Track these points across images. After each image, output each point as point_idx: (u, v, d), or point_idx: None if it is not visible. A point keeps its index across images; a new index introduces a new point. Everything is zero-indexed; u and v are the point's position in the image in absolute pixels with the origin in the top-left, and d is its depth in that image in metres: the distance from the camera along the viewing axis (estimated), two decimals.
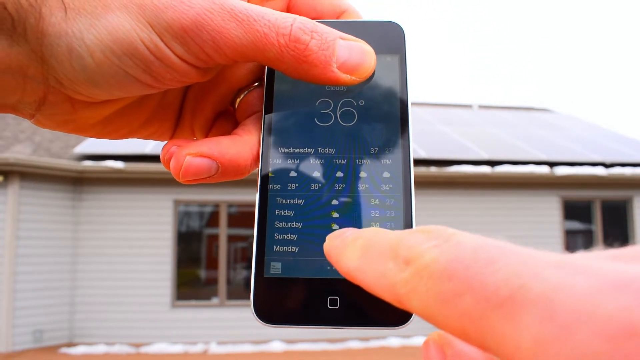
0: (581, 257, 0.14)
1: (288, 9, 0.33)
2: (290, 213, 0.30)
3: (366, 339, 7.09)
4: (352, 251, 0.20)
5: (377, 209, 0.30)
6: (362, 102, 0.32)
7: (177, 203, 7.33)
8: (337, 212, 0.30)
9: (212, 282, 7.51)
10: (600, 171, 7.96)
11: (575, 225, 8.38)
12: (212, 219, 7.67)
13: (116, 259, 7.07)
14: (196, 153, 0.29)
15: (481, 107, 12.79)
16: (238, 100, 0.35)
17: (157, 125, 0.35)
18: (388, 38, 0.33)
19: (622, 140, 9.98)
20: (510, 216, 7.92)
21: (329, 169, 0.31)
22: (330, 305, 0.29)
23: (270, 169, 0.31)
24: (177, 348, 6.73)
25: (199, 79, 0.30)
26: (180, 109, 0.36)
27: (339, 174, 0.31)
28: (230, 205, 7.48)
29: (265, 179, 0.31)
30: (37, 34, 0.25)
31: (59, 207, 6.89)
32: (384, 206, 0.30)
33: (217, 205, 7.52)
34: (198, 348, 6.79)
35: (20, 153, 6.77)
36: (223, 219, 7.46)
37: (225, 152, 0.30)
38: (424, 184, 7.67)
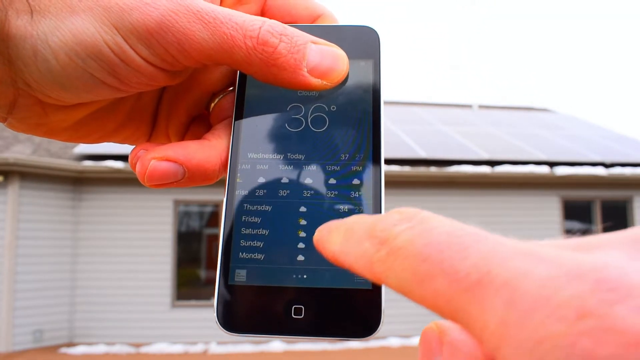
0: (547, 246, 0.15)
1: (262, 14, 0.33)
2: (257, 220, 0.30)
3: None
4: (336, 236, 0.21)
5: (346, 217, 0.29)
6: (333, 108, 0.32)
7: (177, 203, 7.33)
8: (305, 219, 0.30)
9: (212, 282, 7.51)
10: (600, 171, 7.95)
11: (575, 225, 8.38)
12: (212, 219, 7.67)
13: (116, 259, 7.07)
14: (161, 157, 0.29)
15: (481, 107, 12.78)
16: (212, 104, 0.35)
17: (132, 129, 0.35)
18: (362, 43, 0.33)
19: (622, 140, 9.98)
20: (510, 216, 7.92)
21: (298, 175, 0.30)
22: (295, 315, 0.28)
23: (238, 175, 0.31)
24: (177, 348, 6.74)
25: (168, 82, 0.30)
26: (156, 113, 0.35)
27: (308, 181, 0.30)
28: None
29: (232, 184, 0.31)
30: (3, 36, 0.25)
31: (59, 207, 6.89)
32: (353, 214, 0.29)
33: (217, 205, 7.52)
34: (198, 348, 6.79)
35: (20, 153, 6.77)
36: None
37: (192, 156, 0.29)
38: (424, 184, 7.67)
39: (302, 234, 0.29)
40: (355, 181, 0.30)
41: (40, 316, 6.59)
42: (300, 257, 0.29)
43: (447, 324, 0.20)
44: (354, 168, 0.30)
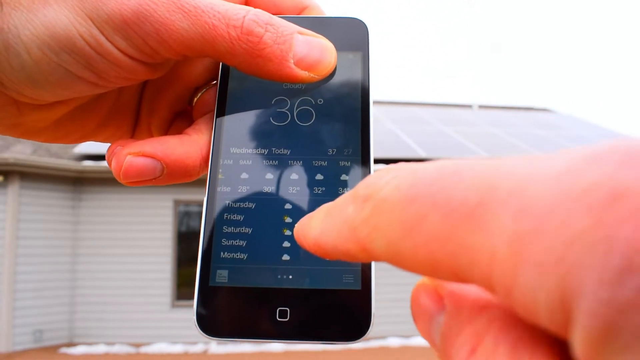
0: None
1: (246, 4, 0.32)
2: (240, 217, 0.28)
3: (366, 339, 7.07)
4: (316, 219, 0.18)
5: None
6: (320, 101, 0.31)
7: (177, 203, 7.33)
8: (290, 217, 0.28)
9: None
10: None
11: None
12: None
13: (116, 259, 7.07)
14: (138, 152, 0.27)
15: (481, 107, 12.77)
16: (195, 99, 0.33)
17: (113, 127, 0.34)
18: (351, 35, 0.32)
19: None
20: None
21: (283, 171, 0.29)
22: (279, 318, 0.27)
23: (220, 170, 0.29)
24: (177, 348, 6.73)
25: (148, 76, 0.29)
26: (138, 110, 0.34)
27: (294, 177, 0.29)
28: None
29: (214, 180, 0.29)
30: None
31: (59, 207, 6.89)
32: None
33: None
34: (198, 348, 6.78)
35: (20, 153, 6.77)
36: None
37: (171, 152, 0.28)
38: None
39: (288, 232, 0.28)
40: (344, 177, 0.29)
41: (40, 316, 6.58)
42: (286, 257, 0.28)
43: None
44: (342, 163, 0.29)
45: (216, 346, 6.81)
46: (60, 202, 6.92)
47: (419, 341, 7.08)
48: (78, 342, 6.83)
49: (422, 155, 7.86)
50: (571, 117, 12.31)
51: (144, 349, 6.69)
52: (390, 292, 7.39)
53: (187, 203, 7.48)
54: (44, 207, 6.73)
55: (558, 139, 9.68)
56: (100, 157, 7.14)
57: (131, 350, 6.66)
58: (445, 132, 9.61)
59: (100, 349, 6.62)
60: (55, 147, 7.55)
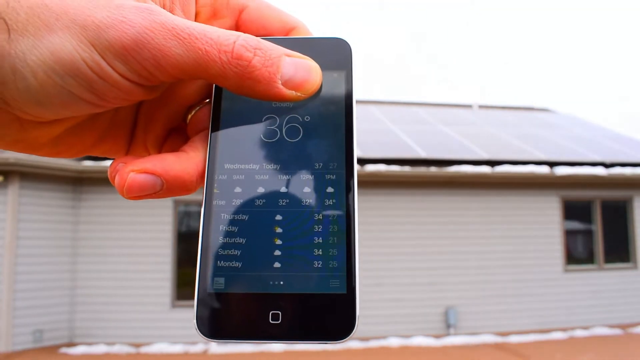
0: None
1: (237, 28, 0.34)
2: (234, 229, 0.31)
3: (366, 339, 7.09)
4: None
5: (320, 224, 0.30)
6: (307, 118, 0.33)
7: (177, 203, 7.33)
8: (280, 227, 0.30)
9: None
10: (600, 171, 7.95)
11: (575, 225, 8.38)
12: None
13: (116, 259, 7.08)
14: (140, 169, 0.29)
15: (481, 107, 12.79)
16: (189, 116, 0.35)
17: (110, 143, 0.36)
18: (335, 54, 0.34)
19: (622, 140, 9.98)
20: (510, 216, 7.92)
21: (273, 184, 0.31)
22: (272, 320, 0.29)
23: (215, 185, 0.32)
24: (177, 348, 6.74)
25: (145, 97, 0.31)
26: (133, 126, 0.36)
27: (283, 190, 0.31)
28: None
29: (210, 194, 0.31)
30: None
31: (59, 207, 6.89)
32: (327, 221, 0.30)
33: None
34: (198, 348, 6.79)
35: (20, 153, 6.77)
36: None
37: (170, 168, 0.30)
38: (424, 184, 7.67)
39: (278, 242, 0.30)
40: (329, 189, 0.31)
41: (40, 316, 6.59)
42: (277, 264, 0.30)
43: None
44: (327, 177, 0.31)
45: (216, 346, 6.81)
46: (60, 202, 6.92)
47: (419, 341, 7.09)
48: (78, 342, 6.84)
49: (422, 155, 7.87)
50: (571, 117, 12.31)
51: (144, 349, 6.69)
52: (390, 292, 7.39)
53: (187, 203, 7.49)
54: (44, 207, 6.74)
55: (558, 139, 9.68)
56: (100, 157, 7.13)
57: (131, 350, 6.66)
58: (445, 132, 9.61)
59: (100, 349, 6.62)
60: None
